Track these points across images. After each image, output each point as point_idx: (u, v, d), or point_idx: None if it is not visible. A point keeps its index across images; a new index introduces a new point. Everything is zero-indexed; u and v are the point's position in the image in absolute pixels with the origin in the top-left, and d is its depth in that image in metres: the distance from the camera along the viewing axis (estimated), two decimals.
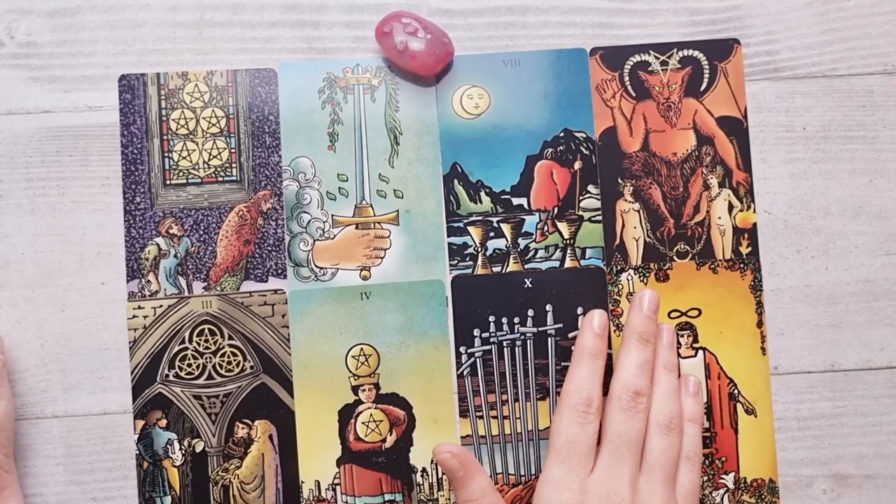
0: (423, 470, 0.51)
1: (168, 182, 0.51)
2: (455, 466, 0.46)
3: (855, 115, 0.52)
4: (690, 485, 0.47)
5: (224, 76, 0.51)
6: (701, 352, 0.52)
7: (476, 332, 0.51)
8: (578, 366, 0.48)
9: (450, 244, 0.51)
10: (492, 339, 0.51)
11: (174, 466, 0.50)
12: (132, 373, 0.50)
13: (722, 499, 0.51)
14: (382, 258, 0.51)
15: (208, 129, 0.51)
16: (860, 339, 0.52)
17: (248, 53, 0.52)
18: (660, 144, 0.52)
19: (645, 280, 0.51)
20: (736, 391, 0.51)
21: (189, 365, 0.50)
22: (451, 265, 0.51)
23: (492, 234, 0.52)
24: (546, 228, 0.52)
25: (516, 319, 0.51)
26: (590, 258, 0.52)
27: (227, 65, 0.52)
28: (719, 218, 0.52)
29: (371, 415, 0.51)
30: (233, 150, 0.51)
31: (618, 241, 0.52)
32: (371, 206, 0.51)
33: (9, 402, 0.48)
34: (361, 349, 0.51)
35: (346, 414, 0.50)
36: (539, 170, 0.52)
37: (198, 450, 0.50)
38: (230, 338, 0.50)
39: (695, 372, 0.51)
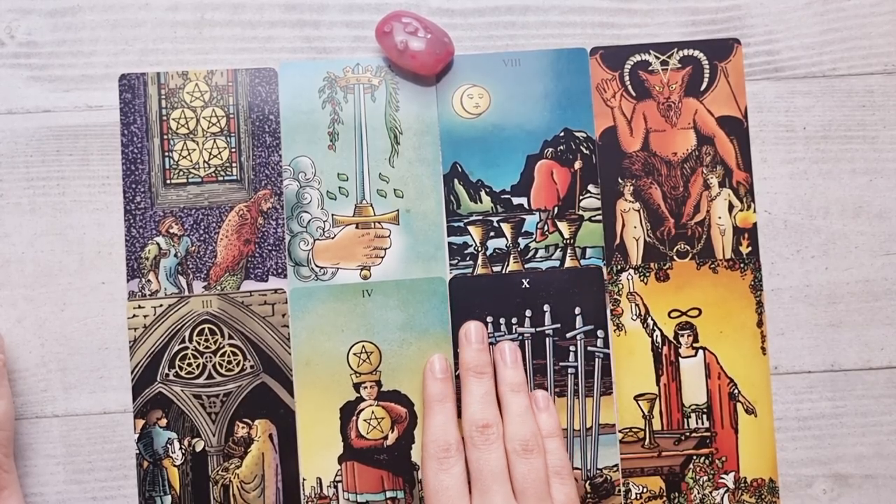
0: None
1: (168, 181, 0.51)
2: None
3: (855, 115, 0.52)
4: (566, 498, 0.46)
5: (224, 76, 0.51)
6: (701, 352, 0.52)
7: None
8: (429, 415, 0.48)
9: (450, 244, 0.51)
10: (490, 340, 0.51)
11: (174, 466, 0.50)
12: (132, 372, 0.50)
13: (722, 499, 0.51)
14: (383, 258, 0.51)
15: (208, 128, 0.51)
16: (860, 339, 0.52)
17: (248, 53, 0.52)
18: (660, 144, 0.52)
19: (645, 280, 0.51)
20: (736, 391, 0.51)
21: (189, 364, 0.50)
22: (451, 265, 0.51)
23: (492, 233, 0.52)
24: (546, 228, 0.52)
25: (514, 320, 0.51)
26: (590, 258, 0.52)
27: (227, 64, 0.52)
28: (719, 218, 0.52)
29: (373, 412, 0.50)
30: (233, 150, 0.51)
31: (618, 241, 0.52)
32: (371, 205, 0.51)
33: (9, 402, 0.48)
34: (363, 346, 0.51)
35: (348, 411, 0.50)
36: (539, 169, 0.52)
37: (198, 449, 0.50)
38: (230, 337, 0.50)
39: (695, 371, 0.51)
